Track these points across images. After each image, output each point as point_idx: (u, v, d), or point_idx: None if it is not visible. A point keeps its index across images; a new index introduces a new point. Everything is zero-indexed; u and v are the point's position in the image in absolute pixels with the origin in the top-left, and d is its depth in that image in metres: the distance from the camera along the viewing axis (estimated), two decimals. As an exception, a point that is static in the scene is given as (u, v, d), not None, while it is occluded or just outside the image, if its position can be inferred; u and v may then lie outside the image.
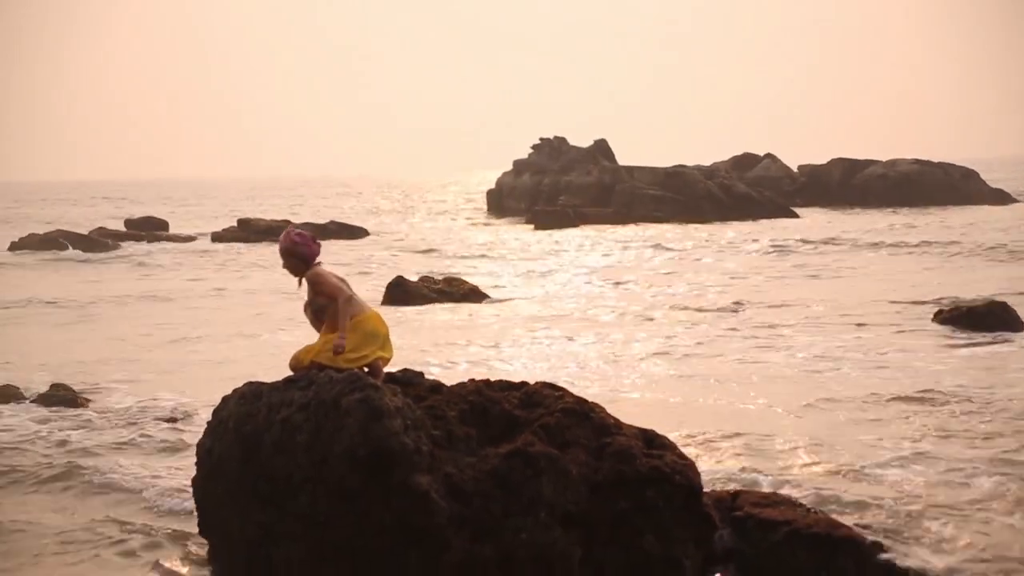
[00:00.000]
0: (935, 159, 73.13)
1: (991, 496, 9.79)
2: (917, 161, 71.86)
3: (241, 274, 34.43)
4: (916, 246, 37.67)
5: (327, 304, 8.39)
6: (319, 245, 8.58)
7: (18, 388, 15.05)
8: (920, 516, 9.22)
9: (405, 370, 9.01)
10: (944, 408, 13.53)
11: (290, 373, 8.56)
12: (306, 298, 8.56)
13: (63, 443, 12.49)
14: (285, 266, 8.57)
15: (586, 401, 8.73)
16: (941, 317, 20.56)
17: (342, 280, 8.55)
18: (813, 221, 53.99)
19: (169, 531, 9.31)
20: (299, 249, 8.49)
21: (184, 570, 8.36)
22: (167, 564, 8.53)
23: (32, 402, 14.47)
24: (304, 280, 8.46)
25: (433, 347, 19.33)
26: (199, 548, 8.75)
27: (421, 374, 8.97)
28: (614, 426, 8.49)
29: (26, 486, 10.87)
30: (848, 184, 69.49)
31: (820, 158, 73.51)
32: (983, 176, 71.94)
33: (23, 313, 25.15)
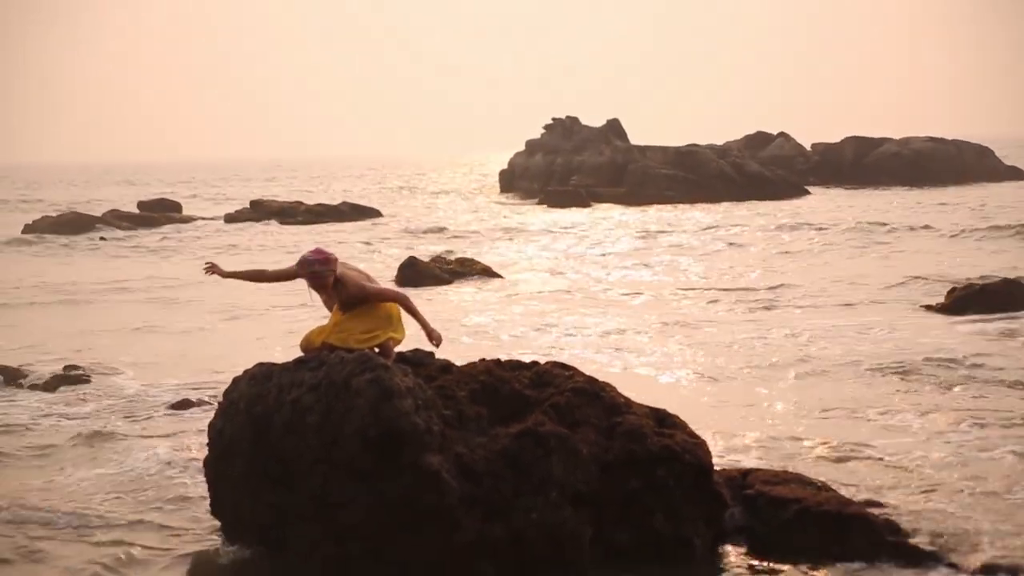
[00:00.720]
0: (949, 136, 72.81)
1: (1007, 474, 9.76)
2: (931, 139, 71.53)
3: (250, 257, 34.35)
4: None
5: (357, 296, 8.44)
6: (324, 256, 8.58)
7: (28, 368, 15.09)
8: (933, 494, 9.21)
9: (416, 350, 9.03)
10: (958, 386, 13.51)
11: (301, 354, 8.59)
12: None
13: (75, 422, 12.55)
14: (312, 286, 8.58)
15: (596, 380, 8.74)
16: (954, 296, 20.48)
17: (361, 273, 8.67)
18: (825, 201, 53.77)
19: (182, 512, 9.32)
20: (328, 267, 8.52)
21: (197, 551, 8.37)
22: (180, 545, 8.53)
23: (43, 383, 14.51)
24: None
25: (444, 327, 19.31)
26: (212, 529, 8.76)
27: (431, 354, 8.98)
28: (624, 405, 8.50)
29: (34, 463, 10.91)
30: (861, 163, 69.20)
31: (833, 136, 73.25)
32: (997, 154, 71.53)
33: (33, 296, 25.19)
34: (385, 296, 8.57)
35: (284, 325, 19.40)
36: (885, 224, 37.45)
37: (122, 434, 12.10)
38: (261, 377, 8.54)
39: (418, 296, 22.90)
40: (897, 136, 72.19)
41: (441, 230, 42.44)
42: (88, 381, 14.63)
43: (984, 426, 11.48)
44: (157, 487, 10.06)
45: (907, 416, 12.07)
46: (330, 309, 8.67)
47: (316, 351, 8.47)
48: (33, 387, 14.43)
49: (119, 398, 13.92)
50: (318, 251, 8.53)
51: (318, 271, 8.46)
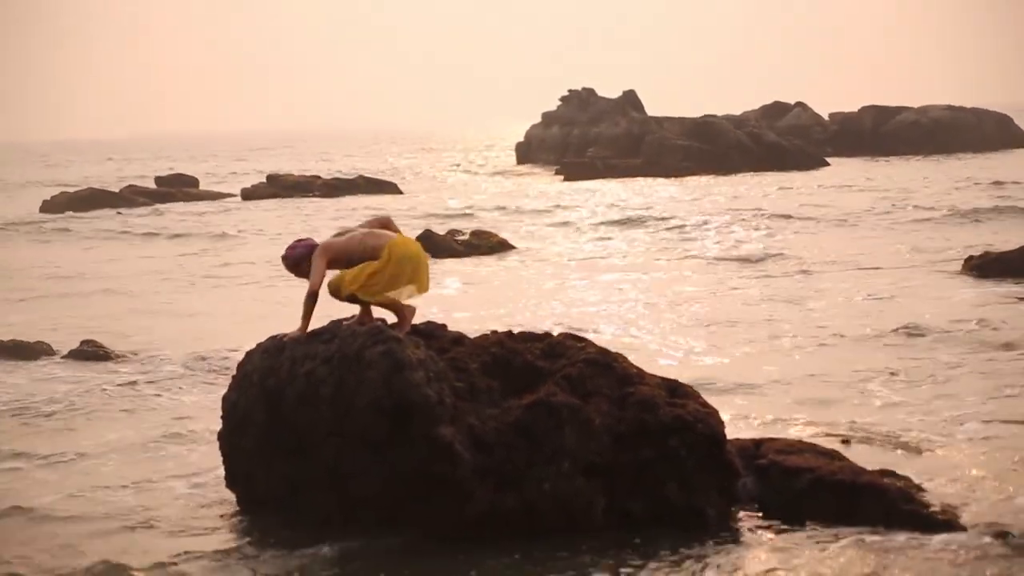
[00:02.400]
0: (968, 105, 72.29)
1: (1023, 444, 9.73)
2: (950, 107, 71.03)
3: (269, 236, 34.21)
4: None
5: (357, 253, 8.49)
6: (303, 241, 8.79)
7: (48, 344, 15.17)
8: (947, 463, 9.19)
9: (428, 322, 9.04)
10: (974, 352, 13.48)
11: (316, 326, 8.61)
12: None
13: (95, 394, 12.64)
14: (302, 274, 8.66)
15: (609, 351, 8.74)
16: (972, 263, 20.40)
17: (343, 232, 8.74)
18: (844, 173, 53.51)
19: (196, 483, 9.37)
20: (293, 257, 8.68)
21: (213, 523, 8.42)
22: (195, 517, 8.57)
23: (63, 357, 14.59)
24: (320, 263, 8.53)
25: (459, 299, 19.37)
26: (228, 501, 8.80)
27: (444, 326, 8.99)
28: (637, 375, 8.50)
29: (48, 432, 10.98)
30: (879, 132, 68.79)
31: (851, 106, 72.78)
32: (1017, 122, 70.97)
33: (49, 275, 25.29)
34: (312, 276, 8.53)
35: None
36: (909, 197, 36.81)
37: (136, 406, 12.17)
38: (274, 350, 8.58)
39: (432, 269, 22.88)
40: (916, 105, 71.73)
41: (458, 203, 42.31)
42: (108, 357, 14.67)
43: (996, 399, 11.41)
44: (171, 459, 10.11)
45: (920, 384, 12.04)
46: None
47: (346, 299, 8.50)
48: (51, 361, 14.50)
49: (136, 372, 13.99)
50: (288, 249, 8.79)
51: (289, 270, 8.83)
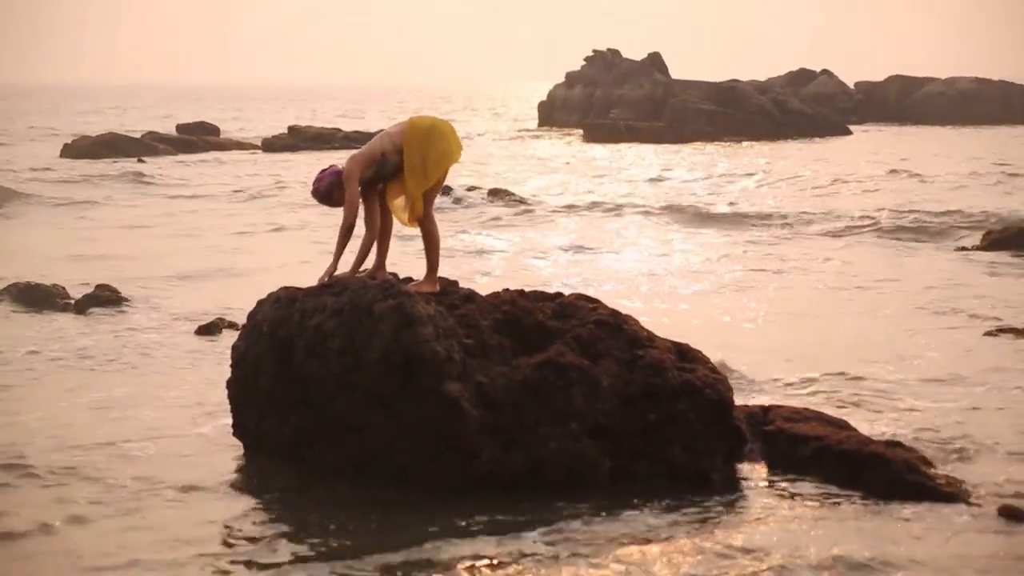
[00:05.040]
0: (995, 77, 71.72)
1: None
2: (976, 79, 70.52)
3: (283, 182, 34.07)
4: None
5: (393, 158, 8.50)
6: (328, 170, 8.75)
7: (64, 288, 15.21)
8: (955, 435, 9.16)
9: (440, 278, 9.02)
10: (986, 323, 13.44)
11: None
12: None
13: (102, 342, 12.69)
14: (335, 203, 8.66)
15: (620, 313, 8.73)
16: (991, 238, 20.28)
17: (362, 151, 8.71)
18: (867, 142, 53.18)
19: (203, 435, 9.39)
20: (323, 188, 8.64)
21: (219, 472, 8.44)
22: (202, 468, 8.60)
23: (77, 302, 14.63)
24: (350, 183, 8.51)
25: (475, 256, 19.37)
26: (234, 450, 8.83)
27: (456, 283, 8.98)
28: (647, 339, 8.48)
29: (62, 380, 11.03)
30: (905, 102, 68.37)
31: (878, 75, 72.32)
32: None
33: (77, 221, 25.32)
34: (345, 206, 8.53)
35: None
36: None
37: (148, 355, 12.22)
38: (285, 300, 8.59)
39: (447, 226, 22.85)
40: (943, 76, 71.20)
41: (479, 162, 42.12)
42: (119, 302, 14.71)
43: (1004, 370, 11.36)
44: (179, 407, 10.13)
45: (931, 356, 11.99)
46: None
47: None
48: (65, 308, 14.56)
49: (148, 319, 14.04)
50: (316, 182, 8.75)
51: (321, 202, 8.80)
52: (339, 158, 9.15)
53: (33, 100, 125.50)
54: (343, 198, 8.53)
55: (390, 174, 8.56)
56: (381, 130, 8.90)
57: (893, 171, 33.93)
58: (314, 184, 8.73)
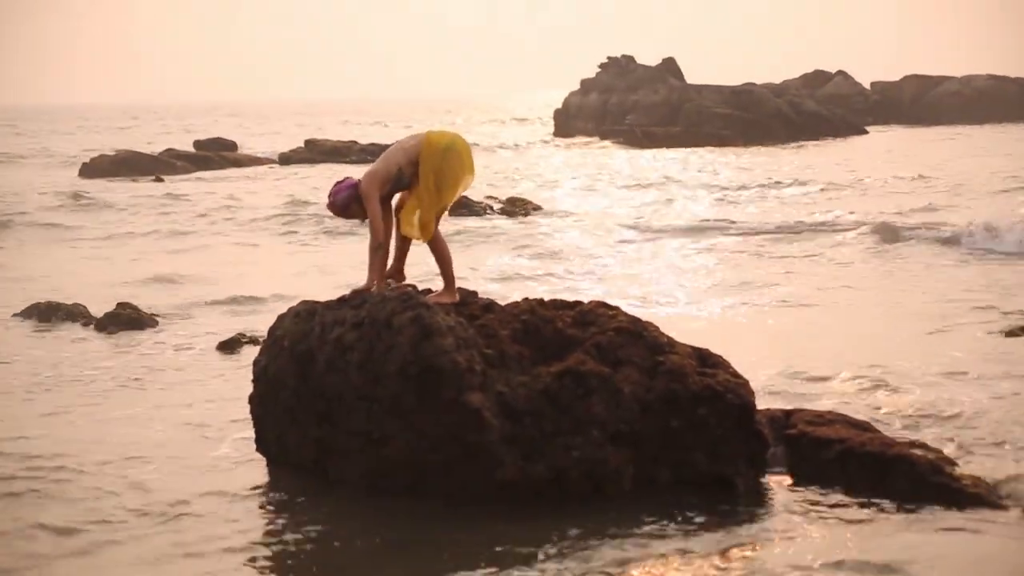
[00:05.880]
0: (1012, 75, 71.47)
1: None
2: (993, 77, 70.29)
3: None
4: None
5: (408, 171, 8.48)
6: (343, 183, 8.69)
7: (84, 306, 15.27)
8: (979, 436, 9.12)
9: (458, 289, 9.03)
10: (1008, 323, 13.37)
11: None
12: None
13: (124, 360, 12.73)
14: (352, 216, 8.68)
15: (640, 320, 8.71)
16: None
17: (378, 169, 8.59)
18: (885, 142, 53.00)
19: (225, 450, 9.43)
20: (340, 201, 8.60)
21: (241, 487, 8.47)
22: (224, 481, 8.64)
23: (98, 320, 14.68)
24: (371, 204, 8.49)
25: (491, 266, 19.39)
26: (257, 464, 8.86)
27: (475, 293, 8.99)
28: (667, 344, 8.47)
29: (77, 401, 11.08)
30: (921, 102, 68.20)
31: (893, 75, 72.22)
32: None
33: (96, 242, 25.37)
34: (371, 223, 8.49)
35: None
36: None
37: (170, 370, 12.26)
38: (305, 314, 8.61)
39: (466, 236, 22.84)
40: (959, 75, 70.99)
41: (496, 170, 42.20)
42: (143, 322, 14.75)
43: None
44: (200, 425, 10.17)
45: (956, 356, 11.93)
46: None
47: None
48: (85, 325, 14.62)
49: (171, 336, 14.08)
50: (332, 195, 8.71)
51: (339, 216, 8.80)
52: (356, 171, 9.12)
53: (32, 121, 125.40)
54: (360, 211, 8.54)
55: (405, 186, 8.57)
56: (396, 142, 8.88)
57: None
58: (330, 197, 8.71)
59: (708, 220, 25.47)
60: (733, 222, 24.89)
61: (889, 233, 21.28)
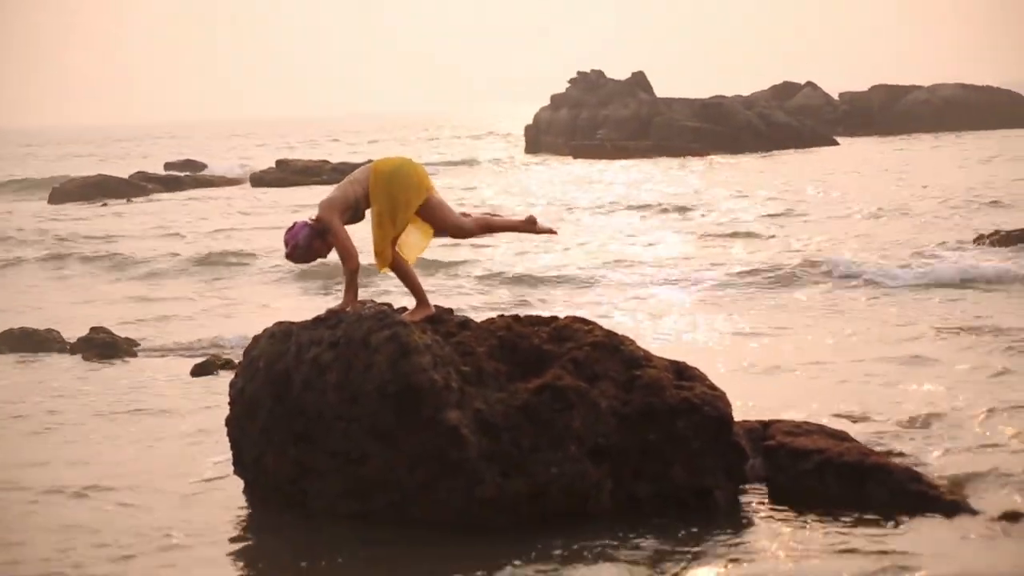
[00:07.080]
0: (980, 83, 71.93)
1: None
2: (961, 85, 70.75)
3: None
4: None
5: (364, 204, 8.42)
6: (294, 227, 8.48)
7: (57, 331, 15.20)
8: (956, 442, 9.17)
9: (435, 306, 9.02)
10: (983, 327, 13.46)
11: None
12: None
13: (101, 385, 12.67)
14: (316, 255, 8.53)
15: (616, 334, 8.72)
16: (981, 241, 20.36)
17: (336, 196, 8.50)
18: (855, 153, 53.28)
19: (204, 470, 9.39)
20: (302, 242, 8.41)
21: (219, 508, 8.44)
22: (203, 503, 8.60)
23: (72, 345, 14.61)
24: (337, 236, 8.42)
25: (468, 281, 19.40)
26: (235, 486, 8.82)
27: (450, 310, 8.98)
28: (644, 358, 8.48)
29: (56, 429, 11.02)
30: (890, 111, 68.57)
31: (861, 85, 72.58)
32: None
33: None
34: (340, 251, 8.42)
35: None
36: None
37: (145, 394, 12.21)
38: (281, 335, 8.58)
39: (436, 251, 22.74)
40: (926, 83, 71.44)
41: (469, 187, 42.07)
42: (116, 346, 14.68)
43: (1009, 372, 11.37)
44: (178, 450, 10.12)
45: (931, 361, 11.99)
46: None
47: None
48: (60, 351, 14.55)
49: (145, 360, 14.03)
50: (287, 241, 8.48)
51: (301, 260, 8.59)
52: (325, 192, 9.04)
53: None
54: (323, 247, 8.44)
55: (361, 218, 8.56)
56: (348, 176, 8.67)
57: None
58: (287, 245, 8.43)
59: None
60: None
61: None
